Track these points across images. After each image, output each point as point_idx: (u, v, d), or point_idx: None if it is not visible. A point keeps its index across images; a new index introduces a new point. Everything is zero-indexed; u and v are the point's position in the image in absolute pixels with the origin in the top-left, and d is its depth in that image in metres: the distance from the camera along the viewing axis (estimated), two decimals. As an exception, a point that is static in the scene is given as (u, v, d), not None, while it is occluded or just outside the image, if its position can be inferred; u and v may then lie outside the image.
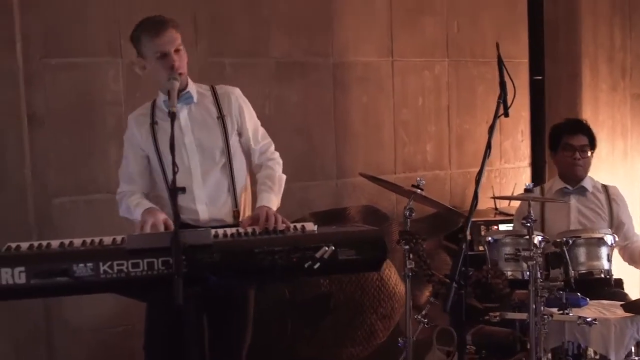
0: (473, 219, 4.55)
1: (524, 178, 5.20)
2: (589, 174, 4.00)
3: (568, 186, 3.94)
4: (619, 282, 3.82)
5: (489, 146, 2.99)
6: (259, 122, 3.26)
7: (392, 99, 4.85)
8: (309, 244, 2.63)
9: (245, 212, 3.17)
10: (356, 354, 4.16)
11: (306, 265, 2.60)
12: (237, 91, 3.21)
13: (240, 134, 3.16)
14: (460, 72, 5.04)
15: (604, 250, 3.27)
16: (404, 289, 4.22)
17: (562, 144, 3.93)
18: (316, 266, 2.61)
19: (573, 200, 3.92)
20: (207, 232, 2.63)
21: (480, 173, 2.93)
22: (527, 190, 3.19)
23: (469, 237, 4.36)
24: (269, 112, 4.47)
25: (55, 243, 2.72)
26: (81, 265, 2.50)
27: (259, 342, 3.97)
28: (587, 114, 5.20)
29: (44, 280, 2.49)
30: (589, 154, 3.92)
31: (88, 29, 4.01)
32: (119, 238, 2.71)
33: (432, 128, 4.94)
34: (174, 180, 2.62)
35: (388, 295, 4.21)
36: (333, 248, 2.62)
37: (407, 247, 3.24)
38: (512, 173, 5.26)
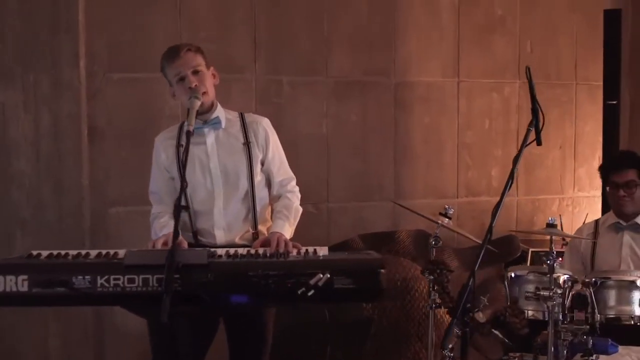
0: (536, 249, 4.45)
1: (599, 208, 4.90)
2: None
3: (621, 221, 3.69)
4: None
5: (511, 177, 2.83)
6: (284, 156, 3.22)
7: (456, 121, 4.72)
8: (304, 270, 2.58)
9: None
10: (398, 382, 4.05)
11: (299, 292, 2.55)
12: (265, 121, 3.19)
13: (263, 163, 3.14)
14: (533, 94, 4.81)
15: (636, 295, 3.00)
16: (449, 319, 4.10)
17: (608, 181, 3.72)
18: (310, 293, 2.55)
19: (626, 237, 3.66)
20: (203, 252, 2.63)
21: (498, 205, 2.78)
22: (549, 225, 2.99)
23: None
24: (327, 130, 4.47)
25: (72, 253, 2.80)
26: (80, 277, 2.56)
27: (296, 363, 3.98)
28: (670, 141, 4.87)
29: (45, 289, 2.56)
30: (636, 188, 3.64)
31: (150, 46, 4.11)
32: (134, 252, 2.77)
33: (499, 152, 4.75)
34: (179, 198, 2.67)
35: (435, 324, 4.07)
36: (328, 276, 2.56)
37: (431, 277, 3.15)
38: (586, 202, 4.99)
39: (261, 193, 3.13)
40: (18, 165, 4.01)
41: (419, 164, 4.65)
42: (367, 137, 4.55)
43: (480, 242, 3.36)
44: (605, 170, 3.78)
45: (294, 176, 3.23)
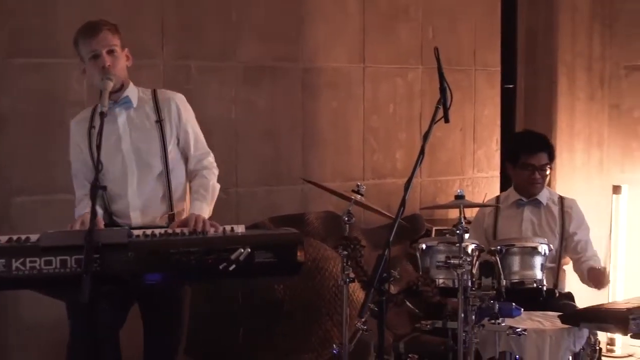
0: (440, 227, 4.63)
1: (497, 188, 5.14)
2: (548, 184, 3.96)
3: (523, 198, 3.90)
4: (569, 295, 3.76)
5: (422, 152, 2.96)
6: (199, 131, 3.24)
7: (362, 106, 4.83)
8: (225, 245, 2.62)
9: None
10: (311, 360, 4.13)
11: (221, 267, 2.60)
12: (178, 96, 3.19)
13: (178, 140, 3.14)
14: (434, 79, 4.90)
15: (537, 260, 3.22)
16: (362, 295, 4.22)
17: (521, 163, 3.84)
18: (231, 268, 2.60)
19: (527, 212, 3.87)
20: (122, 231, 2.64)
21: (409, 180, 2.90)
22: (457, 197, 3.15)
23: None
24: (235, 116, 4.48)
25: (-18, 238, 2.74)
26: (-7, 260, 2.52)
27: (211, 347, 4.00)
28: (563, 123, 5.16)
29: (-44, 273, 2.51)
30: (548, 171, 3.85)
31: (54, 30, 4.03)
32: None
33: (403, 135, 4.90)
34: (95, 178, 2.65)
35: (350, 304, 4.17)
36: (249, 250, 2.61)
37: (345, 252, 3.23)
38: (485, 182, 5.21)
39: (177, 171, 3.14)
40: None
41: (326, 148, 4.74)
42: (276, 122, 4.59)
43: (392, 216, 3.49)
44: (519, 149, 3.88)
45: (210, 151, 3.24)
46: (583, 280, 3.73)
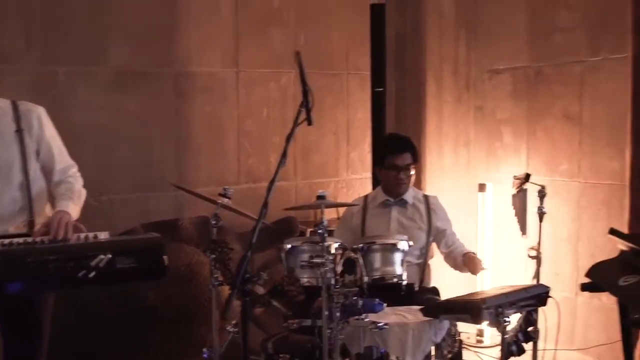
0: (314, 229, 4.70)
1: (370, 189, 5.27)
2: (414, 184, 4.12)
3: (390, 198, 4.03)
4: (434, 290, 3.92)
5: (284, 155, 3.02)
6: (62, 144, 3.18)
7: (236, 110, 4.86)
8: (85, 252, 2.61)
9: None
10: (188, 366, 4.12)
11: (81, 274, 2.58)
12: (40, 109, 3.12)
13: (39, 153, 3.07)
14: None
15: (397, 256, 3.33)
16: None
17: (387, 164, 3.97)
18: (91, 275, 2.58)
19: (394, 212, 4.01)
20: (-26, 241, 2.56)
21: (272, 181, 2.96)
22: (319, 197, 3.23)
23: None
24: (105, 121, 4.41)
25: None
26: None
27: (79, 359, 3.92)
28: (432, 125, 5.35)
29: None
30: (413, 171, 4.00)
31: None
32: None
33: (277, 139, 4.95)
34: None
35: (219, 303, 4.18)
36: (110, 256, 2.60)
37: (212, 256, 3.24)
38: (359, 184, 5.34)
39: (38, 183, 3.06)
40: None
41: (201, 153, 4.74)
42: (148, 128, 4.55)
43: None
44: (385, 151, 4.02)
45: (74, 163, 3.20)
46: (456, 266, 3.91)
